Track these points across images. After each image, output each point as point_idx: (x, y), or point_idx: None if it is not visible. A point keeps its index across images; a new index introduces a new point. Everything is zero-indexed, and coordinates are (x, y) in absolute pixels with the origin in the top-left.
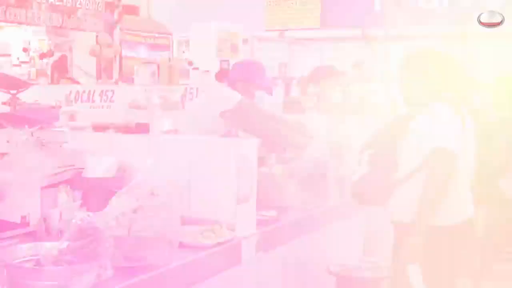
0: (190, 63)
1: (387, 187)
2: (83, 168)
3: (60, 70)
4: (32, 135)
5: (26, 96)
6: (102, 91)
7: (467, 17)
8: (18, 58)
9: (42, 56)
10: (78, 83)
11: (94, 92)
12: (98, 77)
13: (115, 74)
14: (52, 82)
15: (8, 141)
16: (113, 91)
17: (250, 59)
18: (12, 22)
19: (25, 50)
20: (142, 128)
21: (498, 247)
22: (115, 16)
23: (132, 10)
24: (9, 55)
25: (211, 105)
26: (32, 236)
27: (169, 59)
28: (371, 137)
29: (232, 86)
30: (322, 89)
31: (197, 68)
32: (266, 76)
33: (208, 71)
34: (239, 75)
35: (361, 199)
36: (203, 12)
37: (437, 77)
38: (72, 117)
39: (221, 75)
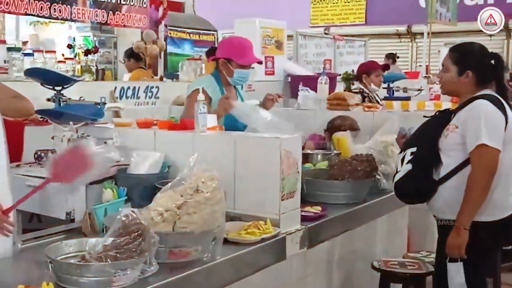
0: None
1: (430, 184)
2: (128, 165)
3: (137, 57)
4: (77, 132)
5: (71, 93)
6: (147, 87)
7: None
8: (63, 55)
9: (87, 52)
10: (151, 76)
11: (138, 89)
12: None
13: (160, 71)
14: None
15: (53, 138)
16: (158, 88)
17: (235, 36)
18: (56, 18)
19: (69, 46)
20: (186, 125)
21: None
22: (160, 13)
23: (176, 6)
24: (54, 51)
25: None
26: (77, 232)
27: None
28: (413, 134)
29: (217, 64)
30: (365, 84)
31: None
32: (247, 54)
33: (253, 67)
34: (220, 53)
35: (404, 197)
36: (247, 9)
37: (480, 72)
38: (116, 114)
39: (210, 53)
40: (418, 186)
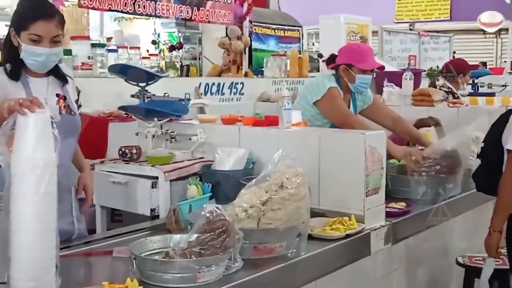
0: (320, 56)
1: (497, 178)
2: (212, 161)
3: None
4: (162, 128)
5: (155, 89)
6: (231, 84)
7: None
8: (147, 51)
9: (172, 48)
10: (245, 75)
11: (223, 85)
12: (228, 69)
13: (245, 67)
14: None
15: (137, 134)
16: (242, 84)
17: (354, 42)
18: (140, 14)
19: (154, 42)
20: (271, 121)
21: None
22: (245, 9)
23: (261, 2)
24: (138, 47)
25: (306, 95)
26: (161, 228)
27: (299, 51)
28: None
29: (337, 71)
30: (458, 83)
31: None
32: (368, 59)
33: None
34: (341, 59)
35: (478, 189)
36: (332, 4)
37: None
38: (201, 110)
39: (329, 61)
40: (486, 180)
